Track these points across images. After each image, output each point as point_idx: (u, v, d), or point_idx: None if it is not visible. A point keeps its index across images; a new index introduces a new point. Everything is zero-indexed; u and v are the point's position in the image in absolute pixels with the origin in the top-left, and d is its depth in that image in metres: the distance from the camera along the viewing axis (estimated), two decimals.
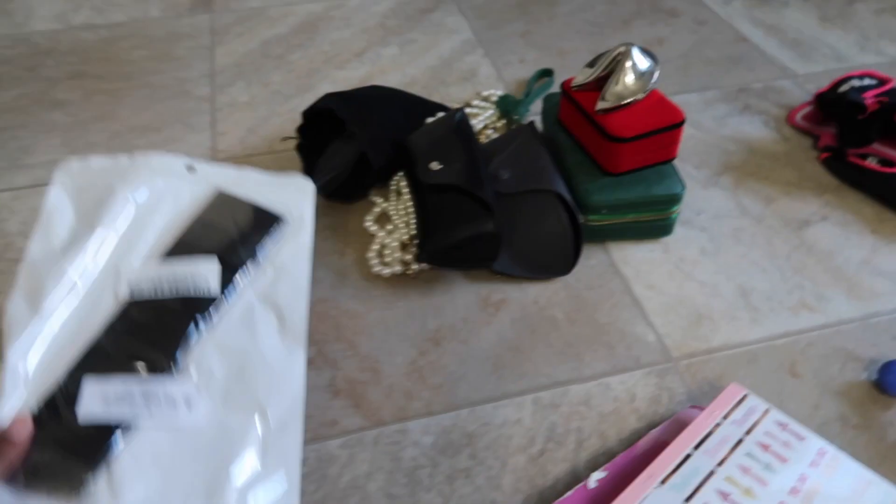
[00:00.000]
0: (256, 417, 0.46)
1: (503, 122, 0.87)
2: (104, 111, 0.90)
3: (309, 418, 0.57)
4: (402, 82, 0.95)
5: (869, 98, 0.79)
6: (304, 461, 0.54)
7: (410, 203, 0.74)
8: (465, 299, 0.67)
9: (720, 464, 0.48)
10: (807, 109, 0.90)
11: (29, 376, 0.46)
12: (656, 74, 0.71)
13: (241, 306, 0.51)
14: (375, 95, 0.81)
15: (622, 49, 0.71)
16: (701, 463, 0.48)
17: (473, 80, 0.96)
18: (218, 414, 0.45)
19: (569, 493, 0.49)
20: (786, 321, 0.65)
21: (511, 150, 0.74)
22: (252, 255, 0.54)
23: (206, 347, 0.49)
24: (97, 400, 0.45)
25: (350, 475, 0.53)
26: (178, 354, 0.48)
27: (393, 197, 0.76)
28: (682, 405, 0.58)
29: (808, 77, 0.98)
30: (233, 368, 0.48)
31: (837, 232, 0.74)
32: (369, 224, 0.73)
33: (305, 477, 0.53)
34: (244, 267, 0.53)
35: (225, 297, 0.51)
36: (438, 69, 0.98)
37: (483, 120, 0.86)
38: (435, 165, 0.69)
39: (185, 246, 0.54)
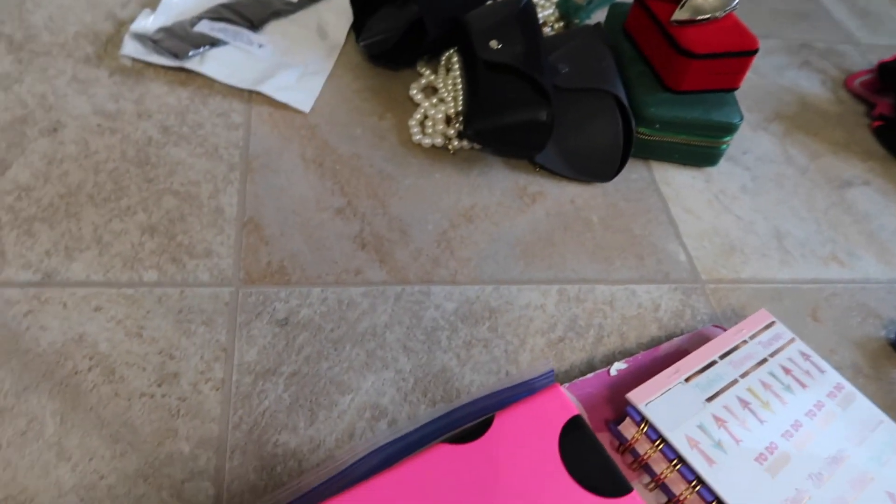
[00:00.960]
0: (300, 66, 0.71)
1: (562, 24, 0.84)
2: None
3: (333, 264, 0.56)
4: None
5: None
6: (324, 301, 0.53)
7: (460, 79, 0.71)
8: (502, 185, 0.65)
9: (743, 375, 0.48)
10: (866, 77, 0.88)
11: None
12: None
13: (308, 15, 0.78)
14: None
15: None
16: (725, 371, 0.48)
17: None
18: (276, 56, 0.72)
19: (590, 375, 0.48)
20: (815, 269, 0.65)
21: (573, 46, 0.71)
22: None
23: (282, 26, 0.76)
24: (206, 27, 0.71)
25: (369, 322, 0.52)
26: (263, 24, 0.75)
27: (441, 72, 0.73)
28: (703, 324, 0.58)
29: (871, 47, 0.95)
30: (293, 41, 0.74)
31: (877, 198, 0.74)
32: (415, 93, 0.71)
33: (325, 316, 0.52)
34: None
35: (300, 6, 0.78)
36: None
37: (542, 17, 0.82)
38: (494, 44, 0.66)
39: None
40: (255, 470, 0.43)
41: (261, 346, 0.49)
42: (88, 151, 0.58)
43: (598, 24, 0.73)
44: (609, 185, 0.68)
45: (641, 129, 0.68)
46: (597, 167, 0.68)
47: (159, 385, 0.46)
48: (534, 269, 0.59)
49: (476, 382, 0.51)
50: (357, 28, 0.76)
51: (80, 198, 0.55)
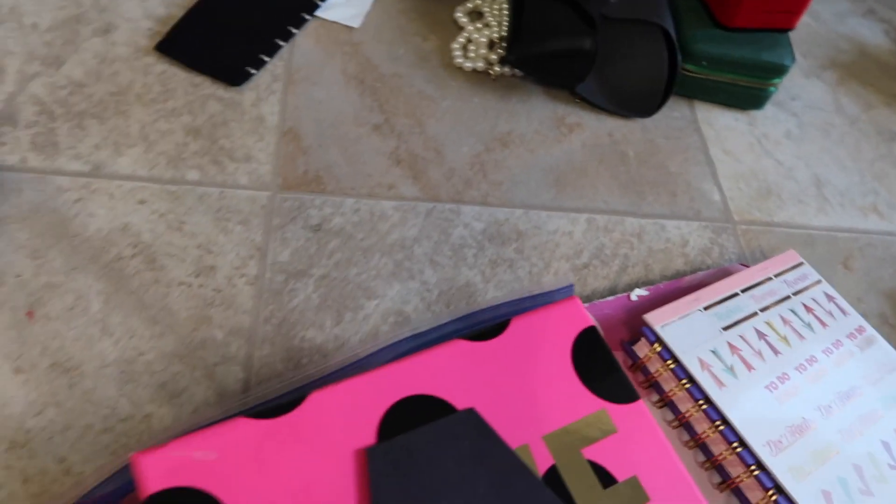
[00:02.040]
0: None
1: None
2: None
3: (368, 177, 0.57)
4: None
5: None
6: (357, 211, 0.54)
7: (506, 4, 0.70)
8: (540, 113, 0.65)
9: (763, 310, 0.48)
10: None
11: None
12: None
13: None
14: None
15: None
16: (745, 304, 0.48)
17: None
18: None
19: (610, 298, 0.49)
20: (852, 218, 0.64)
21: None
22: None
23: None
24: None
25: (399, 234, 0.54)
26: None
27: None
28: (730, 262, 0.58)
29: None
30: None
31: None
32: (460, 15, 0.70)
33: (357, 226, 0.54)
34: None
35: None
36: None
37: None
38: None
39: None
40: (281, 360, 0.46)
41: (294, 248, 0.51)
42: (138, 54, 0.60)
43: None
44: (648, 121, 0.67)
45: (687, 66, 0.67)
46: (638, 102, 0.67)
47: (196, 276, 0.48)
48: (565, 197, 0.59)
49: (496, 299, 0.52)
50: None
51: (128, 97, 0.57)
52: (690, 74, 0.68)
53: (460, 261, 0.53)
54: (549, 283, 0.43)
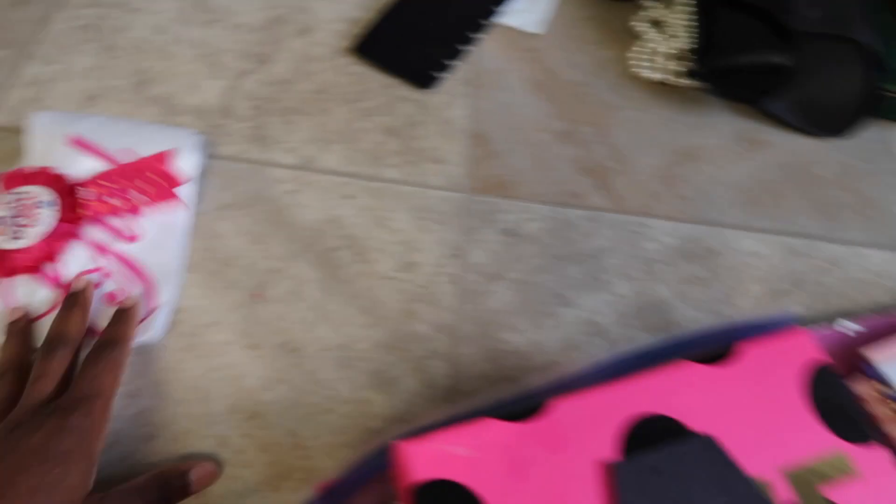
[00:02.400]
0: None
1: None
2: None
3: (555, 184, 0.57)
4: None
5: None
6: (546, 218, 0.55)
7: (689, 14, 0.69)
8: (725, 128, 0.64)
9: None
10: None
11: None
12: None
13: None
14: None
15: None
16: None
17: None
18: None
19: (815, 328, 0.48)
20: None
21: None
22: None
23: None
24: None
25: (588, 244, 0.54)
26: None
27: (668, 4, 0.71)
28: None
29: None
30: None
31: None
32: (640, 25, 0.69)
33: (547, 232, 0.54)
34: None
35: None
36: None
37: None
38: None
39: None
40: (483, 359, 0.47)
41: (488, 250, 0.52)
42: (335, 54, 0.63)
43: None
44: (840, 142, 0.64)
45: (887, 86, 0.64)
46: (829, 120, 0.64)
47: (401, 271, 0.50)
48: (754, 216, 0.58)
49: (691, 317, 0.51)
50: None
51: (329, 95, 0.60)
52: (890, 94, 0.64)
53: (651, 276, 0.53)
54: (767, 311, 0.42)
